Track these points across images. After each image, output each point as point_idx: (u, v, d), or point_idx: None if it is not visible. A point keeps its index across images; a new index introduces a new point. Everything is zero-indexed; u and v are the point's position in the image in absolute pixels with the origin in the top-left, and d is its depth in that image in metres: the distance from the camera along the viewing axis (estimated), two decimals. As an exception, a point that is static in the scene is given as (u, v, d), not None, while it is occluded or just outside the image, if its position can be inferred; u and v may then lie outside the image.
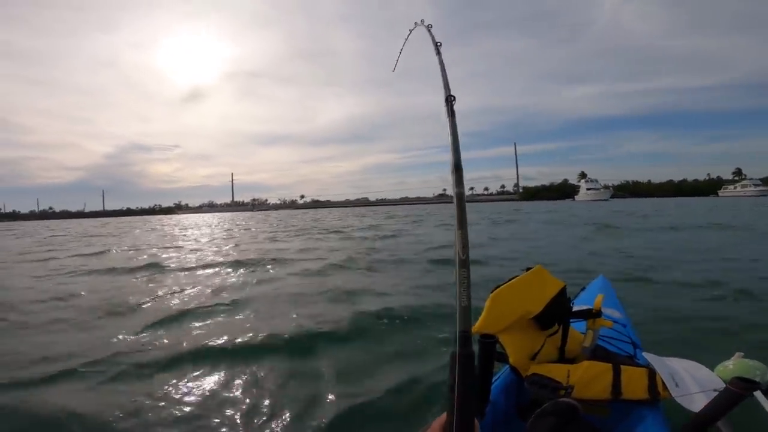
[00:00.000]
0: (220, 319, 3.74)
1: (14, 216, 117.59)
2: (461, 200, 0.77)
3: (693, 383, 1.34)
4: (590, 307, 1.59)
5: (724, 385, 1.26)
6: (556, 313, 1.49)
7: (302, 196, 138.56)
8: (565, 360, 1.54)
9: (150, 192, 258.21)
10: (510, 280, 1.43)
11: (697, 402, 1.25)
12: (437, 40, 1.25)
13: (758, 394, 1.11)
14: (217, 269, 6.79)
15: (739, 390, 0.95)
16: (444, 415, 0.71)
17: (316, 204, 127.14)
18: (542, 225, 13.97)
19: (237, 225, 25.53)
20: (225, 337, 3.11)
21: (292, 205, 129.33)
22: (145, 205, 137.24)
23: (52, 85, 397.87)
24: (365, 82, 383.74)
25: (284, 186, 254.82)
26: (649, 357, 1.51)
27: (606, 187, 68.97)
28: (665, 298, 3.89)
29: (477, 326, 1.32)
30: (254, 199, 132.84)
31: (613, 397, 1.33)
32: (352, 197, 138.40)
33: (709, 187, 68.27)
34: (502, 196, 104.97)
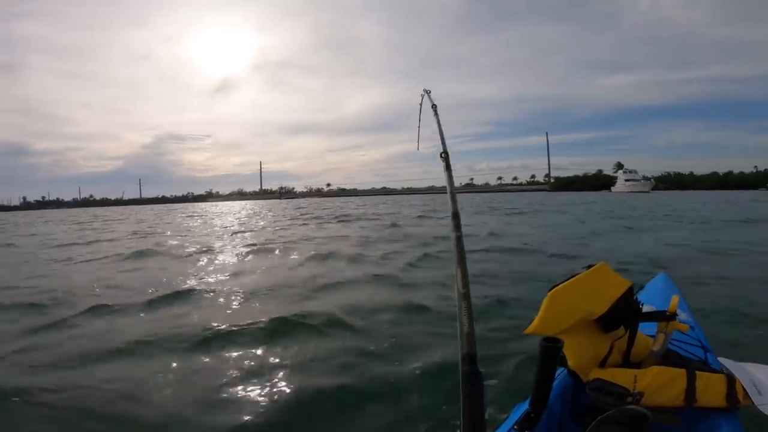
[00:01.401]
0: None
1: (59, 204, 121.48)
2: (460, 243, 0.94)
3: None
4: (663, 309, 1.48)
5: None
6: (623, 314, 1.39)
7: (328, 185, 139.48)
8: (629, 364, 1.44)
9: (183, 180, 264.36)
10: (570, 278, 1.34)
11: None
12: (435, 103, 1.41)
13: None
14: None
15: None
16: None
17: (342, 192, 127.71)
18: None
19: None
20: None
21: (318, 193, 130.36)
22: (179, 193, 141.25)
23: (91, 79, 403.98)
24: (391, 72, 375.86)
25: (311, 174, 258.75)
26: (725, 362, 1.42)
27: (646, 178, 66.75)
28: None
29: (532, 327, 1.26)
30: (281, 188, 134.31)
31: (686, 405, 1.24)
32: (378, 186, 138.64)
33: (757, 180, 65.69)
34: (533, 186, 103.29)
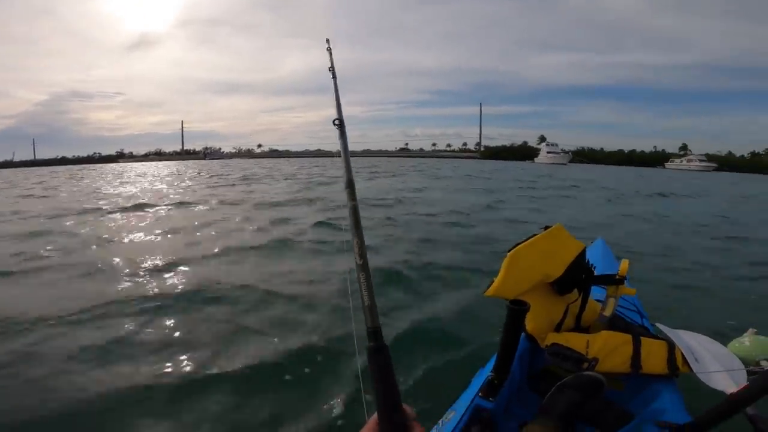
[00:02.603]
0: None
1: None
2: (356, 212, 0.85)
3: (712, 360, 1.30)
4: (609, 273, 1.50)
5: (742, 364, 1.29)
6: (577, 277, 1.40)
7: (260, 146, 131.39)
8: (580, 329, 1.45)
9: (90, 140, 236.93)
10: (528, 239, 1.33)
11: (719, 380, 1.21)
12: (333, 64, 1.26)
13: None
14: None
15: None
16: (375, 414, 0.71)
17: (274, 154, 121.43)
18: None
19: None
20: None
21: (248, 154, 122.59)
22: (83, 154, 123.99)
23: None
24: (333, 36, 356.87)
25: (241, 135, 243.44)
26: (662, 328, 1.45)
27: (565, 151, 71.35)
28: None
29: (492, 289, 1.23)
30: (206, 148, 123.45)
31: (633, 371, 1.27)
32: (312, 148, 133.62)
33: (656, 159, 73.39)
34: (464, 153, 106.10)
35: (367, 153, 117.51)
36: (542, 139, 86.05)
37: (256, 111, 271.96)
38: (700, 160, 61.88)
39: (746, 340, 1.51)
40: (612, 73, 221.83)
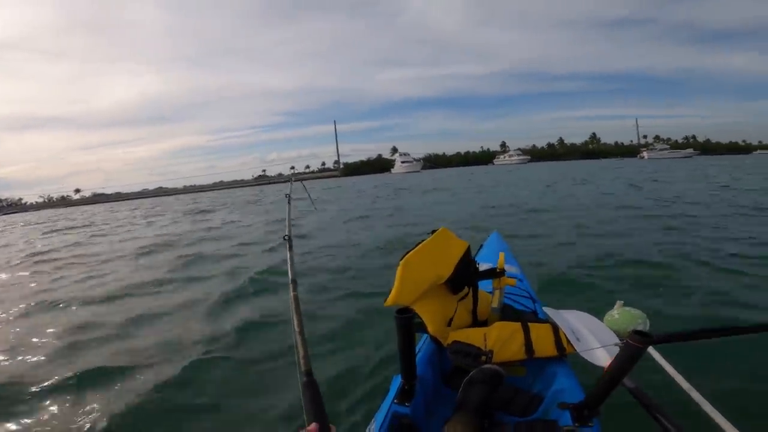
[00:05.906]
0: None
1: None
2: (296, 301, 1.11)
3: (591, 337, 1.38)
4: (494, 266, 1.60)
5: (617, 338, 1.38)
6: (465, 275, 1.49)
7: (77, 190, 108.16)
8: (477, 323, 1.54)
9: None
10: (417, 245, 1.39)
11: (599, 356, 1.29)
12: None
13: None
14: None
15: (639, 344, 0.95)
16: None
17: (99, 198, 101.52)
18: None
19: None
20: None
21: (63, 202, 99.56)
22: None
23: None
24: (170, 59, 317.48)
25: (51, 179, 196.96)
26: (548, 311, 1.54)
27: (416, 159, 78.59)
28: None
29: (391, 299, 1.28)
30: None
31: (528, 357, 1.36)
32: (152, 186, 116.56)
33: (486, 157, 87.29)
34: (325, 173, 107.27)
35: (219, 185, 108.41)
36: (395, 150, 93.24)
37: (69, 149, 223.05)
38: (518, 155, 76.24)
39: (616, 313, 1.57)
40: (442, 83, 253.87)
